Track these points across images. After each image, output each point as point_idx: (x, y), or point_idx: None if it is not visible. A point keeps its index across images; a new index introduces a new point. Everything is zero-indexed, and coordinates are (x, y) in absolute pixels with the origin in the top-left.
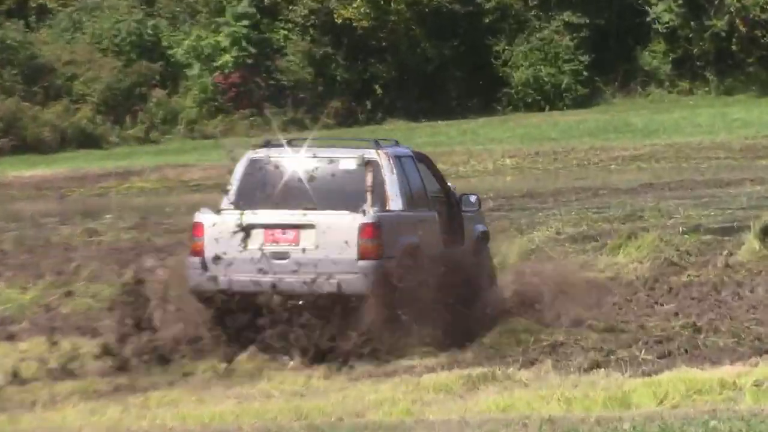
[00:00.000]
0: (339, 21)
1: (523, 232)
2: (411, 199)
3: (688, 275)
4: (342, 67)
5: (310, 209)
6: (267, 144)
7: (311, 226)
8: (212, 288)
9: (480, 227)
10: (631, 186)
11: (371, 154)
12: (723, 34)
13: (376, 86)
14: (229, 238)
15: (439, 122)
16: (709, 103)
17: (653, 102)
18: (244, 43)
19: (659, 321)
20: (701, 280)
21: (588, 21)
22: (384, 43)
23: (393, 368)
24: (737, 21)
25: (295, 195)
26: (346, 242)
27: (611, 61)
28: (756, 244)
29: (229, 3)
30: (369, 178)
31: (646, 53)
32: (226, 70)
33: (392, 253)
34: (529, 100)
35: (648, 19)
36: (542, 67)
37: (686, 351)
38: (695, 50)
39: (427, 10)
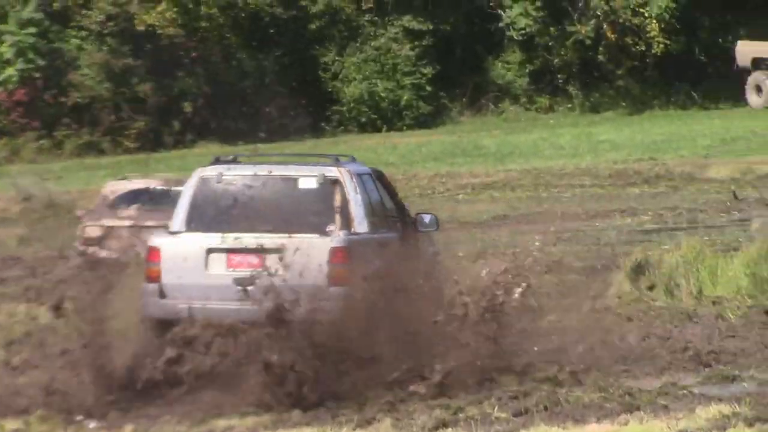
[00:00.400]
0: (141, 28)
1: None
2: (374, 220)
3: (548, 320)
4: (145, 82)
5: (269, 232)
6: (217, 161)
7: (278, 250)
8: (171, 316)
9: (432, 248)
10: (483, 218)
11: (332, 171)
12: (588, 41)
13: (185, 104)
14: (189, 263)
15: (259, 145)
16: (573, 121)
17: (507, 121)
18: (30, 55)
19: (515, 373)
20: (563, 326)
21: (431, 27)
22: (194, 54)
23: (208, 429)
24: (605, 27)
25: (252, 216)
26: (317, 267)
27: (459, 73)
28: (627, 286)
29: (13, 8)
30: (337, 199)
31: (499, 64)
32: (10, 86)
33: (360, 278)
34: (363, 120)
35: (501, 24)
36: (378, 81)
37: (546, 408)
38: (556, 61)
39: (243, 15)
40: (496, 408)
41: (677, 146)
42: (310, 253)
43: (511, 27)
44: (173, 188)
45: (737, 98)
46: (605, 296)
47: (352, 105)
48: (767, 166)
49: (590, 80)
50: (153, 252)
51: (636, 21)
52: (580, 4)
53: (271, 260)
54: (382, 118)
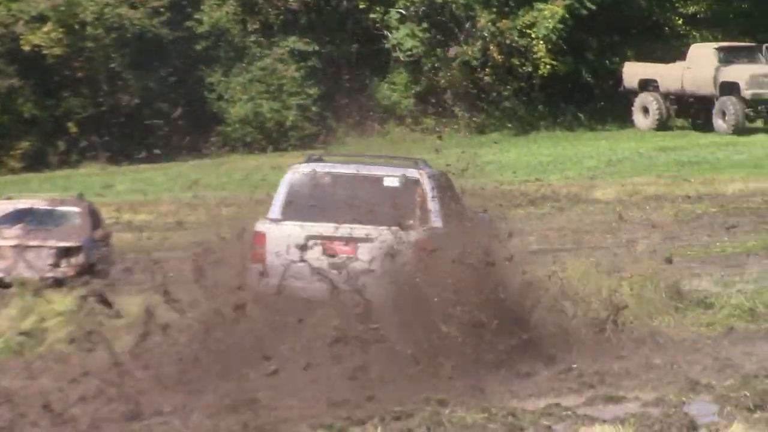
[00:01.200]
0: (27, 48)
1: None
2: (445, 217)
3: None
4: (31, 102)
5: (358, 224)
6: (310, 159)
7: (369, 240)
8: (271, 293)
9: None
10: None
11: (413, 173)
12: (474, 62)
13: (70, 124)
14: (290, 248)
15: (143, 165)
16: (459, 142)
17: (393, 142)
18: None
19: (397, 392)
20: None
21: (318, 48)
22: (79, 74)
23: None
24: (491, 48)
25: (340, 210)
26: (403, 257)
27: (345, 94)
28: None
29: None
30: (417, 197)
31: (385, 85)
32: None
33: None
34: (249, 140)
35: (388, 46)
36: (264, 101)
37: (428, 429)
38: (442, 81)
39: (129, 35)
40: (379, 429)
41: (563, 167)
42: (393, 244)
43: (397, 48)
44: (58, 208)
45: (624, 120)
46: None
47: (237, 125)
48: (653, 187)
49: (476, 101)
50: (259, 237)
51: (523, 42)
52: (467, 26)
53: (363, 248)
54: (268, 138)
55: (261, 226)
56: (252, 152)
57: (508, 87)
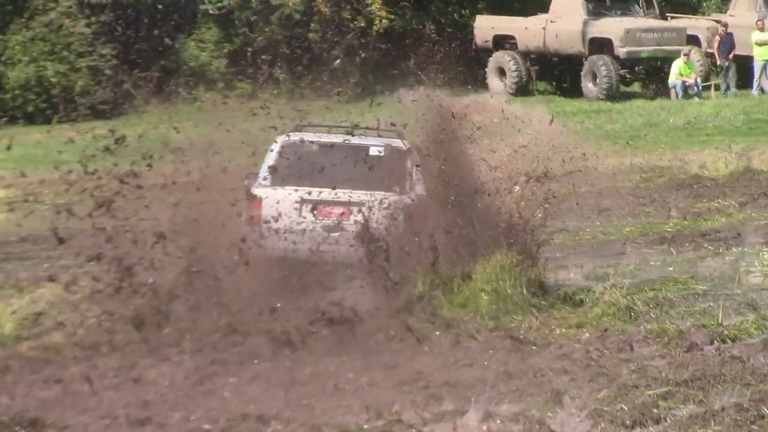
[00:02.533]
0: None
1: (24, 290)
2: (423, 182)
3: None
4: None
5: (350, 189)
6: (297, 128)
7: (361, 204)
8: (269, 255)
9: None
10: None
11: (397, 142)
12: (297, 15)
13: None
14: (285, 211)
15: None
16: (282, 111)
17: (204, 110)
18: None
19: (218, 409)
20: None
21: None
22: None
23: None
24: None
25: (329, 175)
26: (393, 220)
27: (144, 54)
28: None
29: None
30: (409, 165)
31: (193, 44)
32: None
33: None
34: (31, 109)
35: None
36: (48, 63)
37: None
38: (259, 39)
39: None
40: None
41: None
42: (387, 208)
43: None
44: None
45: (477, 83)
46: None
47: (17, 92)
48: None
49: (300, 62)
50: (255, 200)
51: None
52: None
53: (356, 212)
54: (53, 107)
55: (257, 190)
56: (35, 123)
57: (338, 45)
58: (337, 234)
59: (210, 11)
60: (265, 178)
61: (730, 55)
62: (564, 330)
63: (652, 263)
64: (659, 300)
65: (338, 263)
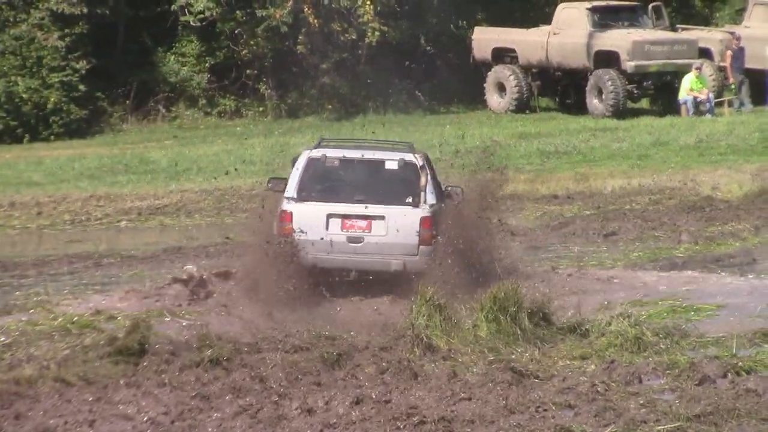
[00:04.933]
0: None
1: None
2: (436, 193)
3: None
4: None
5: (368, 203)
6: (319, 144)
7: (382, 217)
8: (299, 263)
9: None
10: (152, 251)
11: (409, 156)
12: (285, 28)
13: None
14: (313, 224)
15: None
16: (266, 129)
17: (183, 129)
18: None
19: None
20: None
21: (86, 11)
22: None
23: None
24: (305, 10)
25: (350, 189)
26: (411, 231)
27: (121, 69)
28: None
29: None
30: (423, 179)
31: (172, 58)
32: None
33: (438, 238)
34: (0, 127)
35: (174, 7)
36: (18, 78)
37: None
38: (243, 53)
39: None
40: None
41: None
42: (405, 220)
43: (186, 10)
44: None
45: (475, 99)
46: None
47: None
48: (510, 184)
49: (288, 79)
50: (285, 215)
51: (345, 2)
52: None
53: (377, 224)
54: (24, 125)
55: (286, 205)
56: (4, 142)
57: (328, 59)
58: (361, 244)
59: (191, 23)
60: (293, 192)
61: (743, 70)
62: (568, 362)
63: (662, 289)
64: (669, 329)
65: (362, 272)
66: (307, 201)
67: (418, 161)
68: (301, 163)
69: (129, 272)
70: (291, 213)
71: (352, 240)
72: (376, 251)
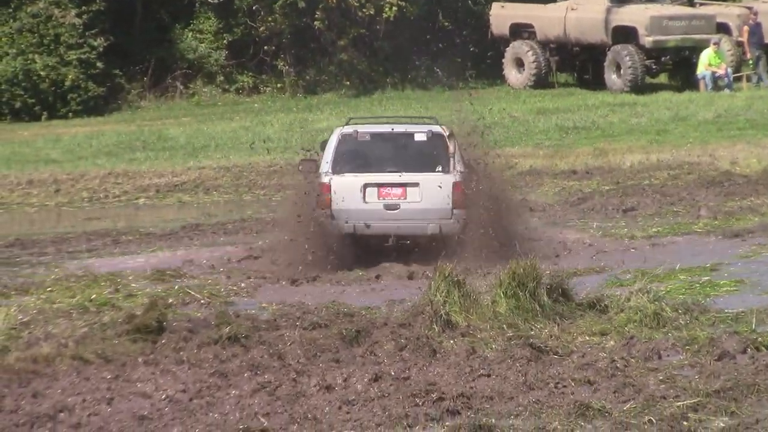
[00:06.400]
0: None
1: (11, 298)
2: (464, 162)
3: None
4: None
5: (403, 172)
6: (350, 121)
7: (416, 184)
8: (339, 233)
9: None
10: (171, 228)
11: (437, 128)
12: (302, 4)
13: None
14: (351, 195)
15: None
16: (284, 106)
17: (201, 105)
18: None
19: (219, 424)
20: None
21: None
22: None
23: None
24: None
25: (383, 161)
26: (444, 196)
27: (138, 46)
28: None
29: None
30: (451, 146)
31: (190, 34)
32: None
33: (468, 203)
34: (18, 105)
35: None
36: (36, 56)
37: None
38: (262, 29)
39: None
40: None
41: None
42: (438, 185)
43: None
44: None
45: (493, 75)
46: None
47: (3, 87)
48: (529, 159)
49: (306, 55)
50: (324, 186)
51: None
52: None
53: (412, 191)
54: (42, 102)
55: (325, 178)
56: (22, 120)
57: (345, 35)
58: (397, 211)
59: (209, 0)
60: (329, 167)
61: (761, 45)
62: (587, 338)
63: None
64: (689, 305)
65: (400, 237)
66: (344, 173)
67: (445, 131)
68: (333, 140)
69: (149, 248)
70: (329, 185)
71: (389, 207)
72: (413, 216)
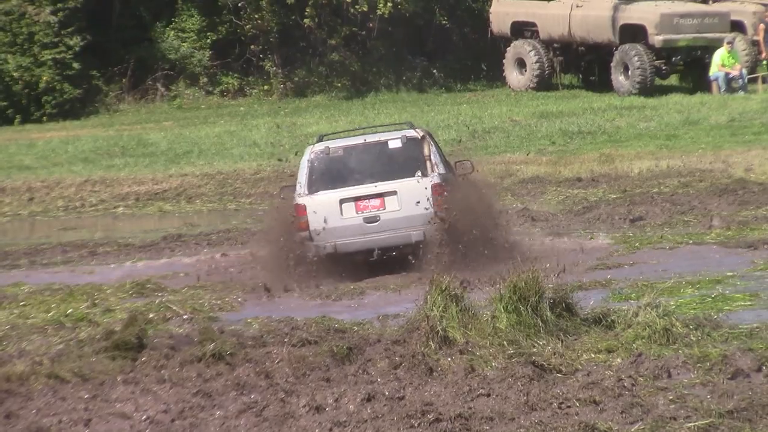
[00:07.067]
0: None
1: None
2: (444, 164)
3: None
4: None
5: (381, 181)
6: (320, 138)
7: (394, 192)
8: (320, 254)
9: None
10: (151, 239)
11: (412, 132)
12: (292, 1)
13: None
14: (328, 213)
15: None
16: (272, 109)
17: (184, 109)
18: None
19: None
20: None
21: None
22: None
23: None
24: None
25: (359, 173)
26: (424, 200)
27: (118, 45)
28: None
29: None
30: (426, 149)
31: (172, 33)
32: None
33: (449, 205)
34: None
35: None
36: (8, 56)
37: None
38: (248, 27)
39: None
40: None
41: None
42: (416, 190)
43: None
44: None
45: (493, 76)
46: None
47: None
48: (532, 166)
49: (294, 53)
50: (300, 208)
51: None
52: None
53: (390, 200)
54: (15, 105)
55: (299, 199)
56: None
57: (337, 33)
58: (378, 223)
59: None
60: (304, 188)
61: None
62: (593, 355)
63: (690, 278)
64: (700, 320)
65: (384, 249)
66: (318, 192)
67: (419, 134)
68: (305, 160)
69: (128, 261)
70: (304, 205)
71: (368, 220)
72: (394, 226)
